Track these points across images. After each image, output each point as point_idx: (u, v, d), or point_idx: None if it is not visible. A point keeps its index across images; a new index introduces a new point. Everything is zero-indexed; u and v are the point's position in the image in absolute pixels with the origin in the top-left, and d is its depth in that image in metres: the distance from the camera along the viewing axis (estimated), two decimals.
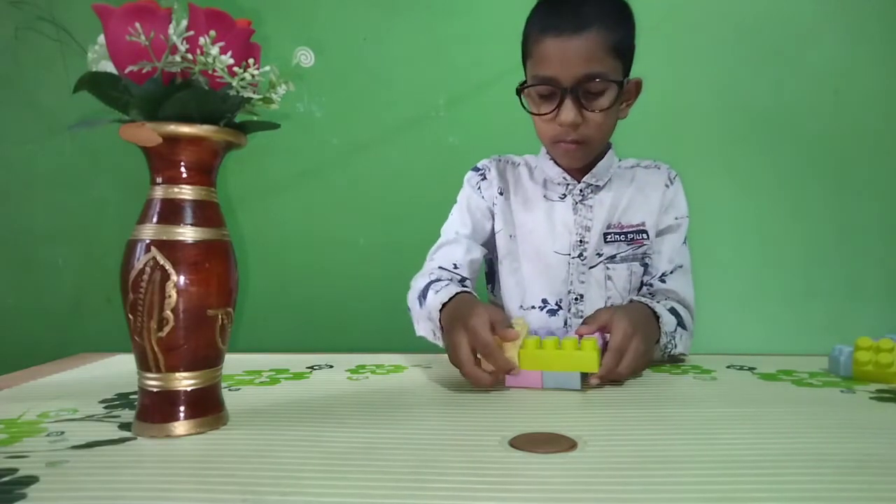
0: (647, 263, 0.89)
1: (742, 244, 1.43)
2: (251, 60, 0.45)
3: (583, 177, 0.88)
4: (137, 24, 0.42)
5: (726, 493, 0.35)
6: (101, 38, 0.45)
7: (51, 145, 1.45)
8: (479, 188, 0.92)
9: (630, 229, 0.88)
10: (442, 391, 0.61)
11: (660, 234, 0.90)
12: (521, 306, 0.89)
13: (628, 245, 0.88)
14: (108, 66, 0.45)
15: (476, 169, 0.95)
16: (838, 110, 1.41)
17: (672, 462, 0.40)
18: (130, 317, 0.45)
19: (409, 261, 1.41)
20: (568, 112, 0.78)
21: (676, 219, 0.90)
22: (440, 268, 0.86)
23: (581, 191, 0.89)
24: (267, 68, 0.47)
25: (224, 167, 0.49)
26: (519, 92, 0.84)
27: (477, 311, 0.63)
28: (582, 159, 0.86)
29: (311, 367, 0.72)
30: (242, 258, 0.50)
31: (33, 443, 0.45)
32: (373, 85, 1.43)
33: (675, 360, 0.80)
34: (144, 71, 0.43)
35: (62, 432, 0.47)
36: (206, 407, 0.47)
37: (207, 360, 0.47)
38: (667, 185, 0.90)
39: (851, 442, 0.44)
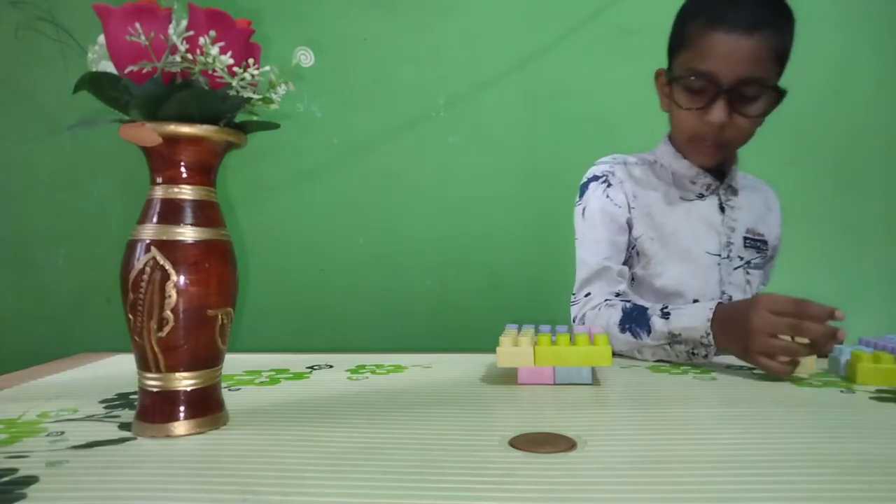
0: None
1: None
2: (251, 60, 0.45)
3: (715, 175, 0.85)
4: (137, 24, 0.42)
5: (726, 493, 0.35)
6: (101, 38, 0.45)
7: (51, 145, 1.45)
8: (608, 196, 0.85)
9: (759, 238, 0.87)
10: (442, 391, 0.61)
11: (772, 254, 0.92)
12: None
13: (758, 253, 0.87)
14: (108, 66, 0.45)
15: (595, 178, 0.88)
16: (838, 110, 1.41)
17: (672, 462, 0.40)
18: (130, 317, 0.45)
19: (409, 261, 1.41)
20: (718, 112, 0.74)
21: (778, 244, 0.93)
22: (608, 301, 0.81)
23: (724, 191, 0.86)
24: (267, 68, 0.47)
25: (224, 167, 0.49)
26: (668, 81, 0.80)
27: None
28: (714, 160, 0.83)
29: (311, 367, 0.72)
30: (242, 258, 0.50)
31: (33, 443, 0.44)
32: (373, 85, 1.43)
33: None
34: (144, 71, 0.43)
35: (62, 432, 0.47)
36: (206, 407, 0.47)
37: (207, 360, 0.47)
38: (780, 207, 0.92)
39: (851, 442, 0.44)
